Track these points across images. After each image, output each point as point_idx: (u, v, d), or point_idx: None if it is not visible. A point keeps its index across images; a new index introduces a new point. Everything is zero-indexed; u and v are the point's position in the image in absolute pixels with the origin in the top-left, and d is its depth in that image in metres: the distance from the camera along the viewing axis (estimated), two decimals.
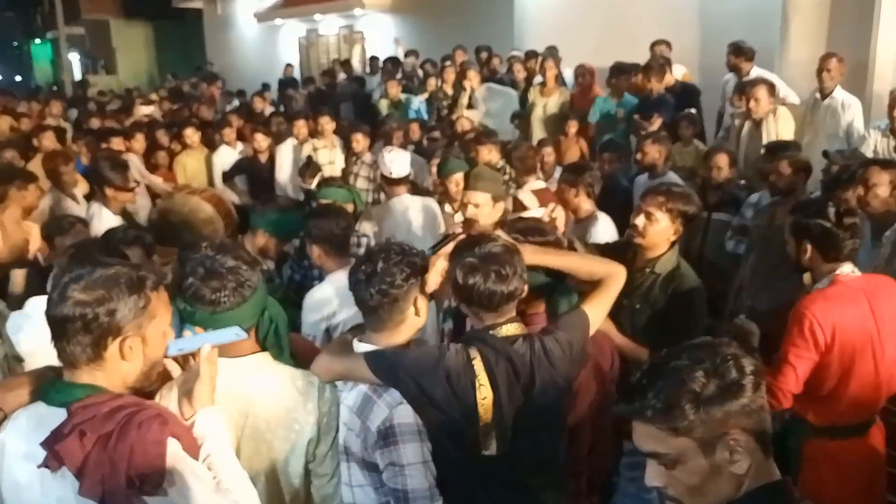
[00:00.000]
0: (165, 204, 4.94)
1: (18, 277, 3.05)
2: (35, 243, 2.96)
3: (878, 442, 2.79)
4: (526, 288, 2.18)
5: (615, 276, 2.37)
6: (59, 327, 1.63)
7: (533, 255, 2.30)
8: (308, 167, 6.12)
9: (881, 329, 2.67)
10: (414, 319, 2.14)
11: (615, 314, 2.84)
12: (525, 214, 3.84)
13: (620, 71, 7.18)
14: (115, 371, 1.67)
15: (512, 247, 2.20)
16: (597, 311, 2.31)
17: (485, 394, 2.04)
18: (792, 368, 2.64)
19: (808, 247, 2.73)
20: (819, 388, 2.69)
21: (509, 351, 2.09)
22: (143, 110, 10.99)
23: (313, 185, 5.93)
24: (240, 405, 1.99)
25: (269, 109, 10.66)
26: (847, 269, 2.70)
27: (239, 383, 2.00)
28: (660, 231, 3.00)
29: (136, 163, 6.92)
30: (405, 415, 2.01)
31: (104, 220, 4.50)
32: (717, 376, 1.33)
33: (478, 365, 2.06)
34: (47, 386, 1.70)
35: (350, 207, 4.24)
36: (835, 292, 2.66)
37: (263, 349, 2.10)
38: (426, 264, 2.16)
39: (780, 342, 2.70)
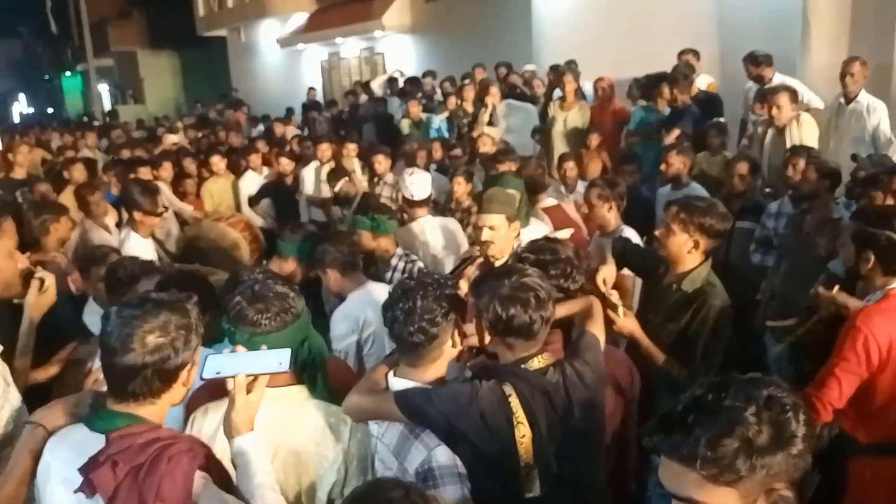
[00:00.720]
0: (193, 230, 5.06)
1: None
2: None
3: None
4: (555, 311, 2.14)
5: (588, 309, 2.39)
6: (130, 373, 1.66)
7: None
8: (335, 173, 6.30)
9: None
10: (450, 352, 2.12)
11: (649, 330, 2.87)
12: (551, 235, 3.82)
13: (652, 81, 7.17)
14: (167, 400, 1.74)
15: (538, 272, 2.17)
16: (599, 330, 2.31)
17: (523, 432, 1.98)
18: (838, 382, 2.57)
19: (871, 257, 2.64)
20: (870, 403, 2.61)
21: (545, 384, 2.03)
22: (171, 139, 11.21)
23: (337, 188, 6.07)
24: (272, 435, 2.00)
25: (291, 133, 10.82)
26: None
27: (273, 413, 2.02)
28: (676, 243, 2.97)
29: (164, 190, 7.06)
30: (444, 456, 1.96)
31: (132, 243, 4.57)
32: (772, 423, 1.20)
33: (514, 402, 1.99)
34: (92, 412, 1.77)
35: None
36: (890, 306, 2.59)
37: (301, 379, 2.11)
38: (461, 297, 2.14)
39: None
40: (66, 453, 1.72)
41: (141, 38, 29.73)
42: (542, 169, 5.19)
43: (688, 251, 2.97)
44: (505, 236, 3.43)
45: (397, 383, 2.10)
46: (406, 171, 5.04)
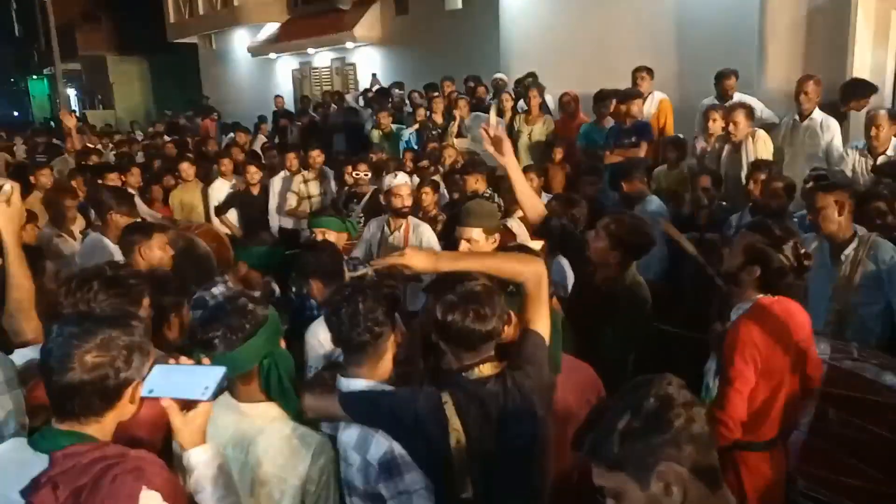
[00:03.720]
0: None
1: None
2: None
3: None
4: (507, 329, 2.17)
5: (538, 277, 2.24)
6: (70, 392, 1.64)
7: (451, 261, 2.25)
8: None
9: (798, 346, 2.68)
10: (392, 348, 2.21)
11: (576, 324, 3.00)
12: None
13: (602, 98, 7.34)
14: (114, 418, 1.71)
15: (493, 286, 2.16)
16: (542, 324, 2.26)
17: (457, 438, 2.04)
18: (739, 396, 2.58)
19: (757, 272, 2.65)
20: (749, 407, 2.64)
21: (481, 393, 2.07)
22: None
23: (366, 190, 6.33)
24: (238, 452, 2.06)
25: (260, 142, 10.84)
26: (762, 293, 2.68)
27: (242, 430, 2.07)
28: (601, 252, 3.23)
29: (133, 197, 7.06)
30: None
31: (102, 248, 4.50)
32: (641, 412, 1.40)
33: (449, 410, 2.04)
34: (37, 432, 1.73)
35: (345, 236, 4.42)
36: (762, 315, 2.63)
37: (270, 397, 2.12)
38: (399, 294, 2.25)
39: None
40: (10, 474, 1.65)
41: (110, 42, 29.47)
42: None
43: (609, 260, 3.23)
44: (483, 249, 3.46)
45: (347, 384, 2.17)
46: (390, 175, 5.17)
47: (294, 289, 4.06)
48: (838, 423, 2.86)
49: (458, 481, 2.04)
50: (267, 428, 2.09)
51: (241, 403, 2.08)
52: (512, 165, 3.35)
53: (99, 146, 10.75)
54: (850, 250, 3.68)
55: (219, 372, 1.80)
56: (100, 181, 6.76)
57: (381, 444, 2.04)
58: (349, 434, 2.13)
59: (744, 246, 2.68)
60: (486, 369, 2.11)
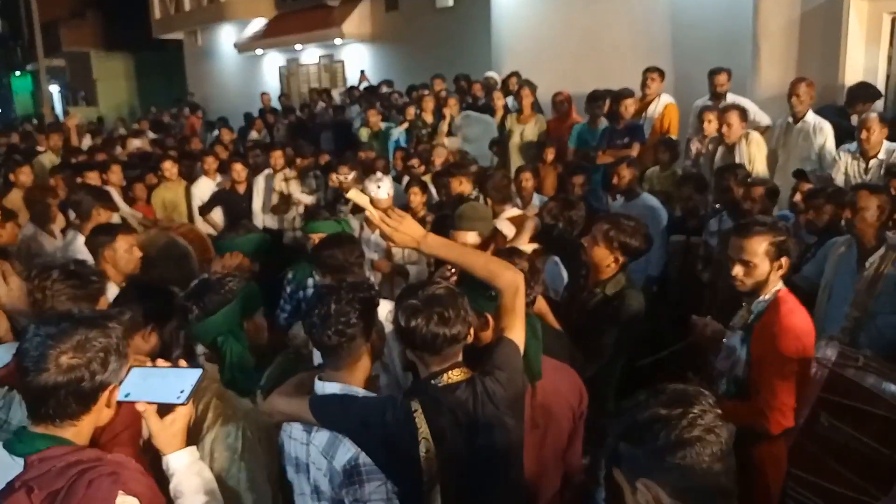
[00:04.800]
0: (142, 239, 4.94)
1: None
2: None
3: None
4: (472, 332, 2.15)
5: (515, 288, 2.25)
6: (44, 394, 1.60)
7: (437, 245, 2.28)
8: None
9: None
10: (370, 351, 2.17)
11: (569, 327, 3.06)
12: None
13: (595, 99, 7.27)
14: (90, 422, 1.67)
15: (456, 289, 2.17)
16: (517, 332, 2.25)
17: (427, 447, 2.01)
18: (788, 384, 2.67)
19: (785, 263, 2.77)
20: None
21: (451, 401, 2.06)
22: (135, 143, 11.00)
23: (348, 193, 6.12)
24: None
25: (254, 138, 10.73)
26: (780, 284, 2.80)
27: None
28: (599, 255, 3.27)
29: (114, 195, 6.91)
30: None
31: (79, 246, 4.39)
32: (656, 423, 1.35)
33: (419, 418, 2.03)
34: (13, 435, 1.69)
35: None
36: (788, 309, 2.75)
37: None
38: (376, 297, 2.18)
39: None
40: None
41: (94, 38, 29.18)
42: (507, 180, 5.27)
43: (607, 264, 3.27)
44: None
45: (323, 387, 2.13)
46: (373, 177, 5.16)
47: (290, 277, 4.03)
48: (829, 429, 2.88)
49: (429, 493, 2.02)
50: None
51: None
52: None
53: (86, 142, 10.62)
54: (875, 257, 3.63)
55: (195, 374, 1.81)
56: (79, 179, 6.65)
57: (348, 451, 2.02)
58: (319, 438, 2.10)
59: (767, 244, 2.74)
60: (455, 375, 2.10)
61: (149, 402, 1.76)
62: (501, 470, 2.15)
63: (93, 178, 6.72)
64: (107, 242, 3.49)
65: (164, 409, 1.78)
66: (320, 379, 2.16)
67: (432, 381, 2.10)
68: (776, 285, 2.80)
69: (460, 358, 2.15)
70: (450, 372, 2.10)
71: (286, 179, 7.23)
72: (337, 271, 3.25)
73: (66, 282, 2.40)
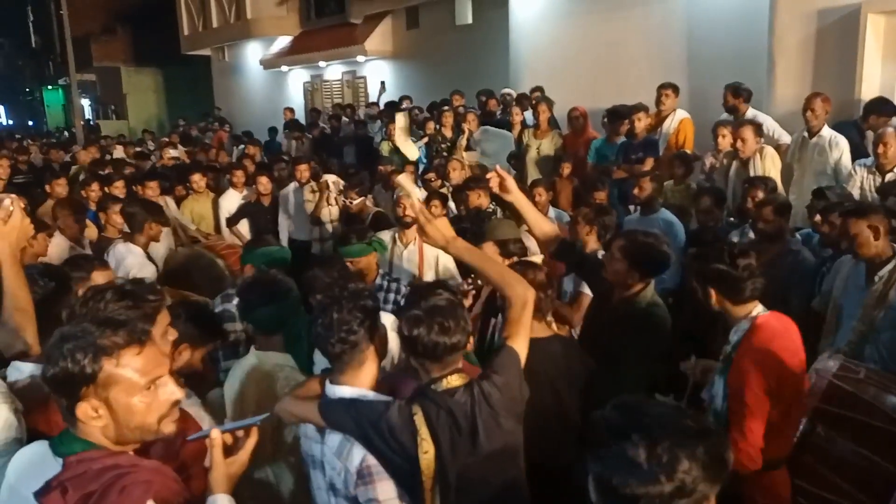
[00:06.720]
0: (188, 253, 5.28)
1: None
2: None
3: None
4: (472, 341, 2.26)
5: (524, 300, 2.39)
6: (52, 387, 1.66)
7: (463, 248, 2.56)
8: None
9: (801, 358, 2.71)
10: (375, 356, 2.27)
11: (593, 340, 3.07)
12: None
13: (615, 115, 7.34)
14: (90, 432, 1.68)
15: (458, 300, 2.27)
16: (521, 343, 2.35)
17: (426, 448, 2.10)
18: (758, 423, 2.57)
19: (712, 291, 2.72)
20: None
21: (450, 404, 2.15)
22: (171, 153, 11.33)
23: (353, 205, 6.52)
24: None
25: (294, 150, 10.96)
26: (760, 309, 2.71)
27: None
28: (617, 271, 3.17)
29: (171, 205, 7.26)
30: None
31: (133, 255, 4.82)
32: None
33: (419, 421, 2.12)
34: (57, 436, 1.75)
35: (374, 256, 4.28)
36: (763, 337, 2.64)
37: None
38: (377, 305, 2.29)
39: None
40: (30, 473, 1.69)
41: (124, 54, 29.79)
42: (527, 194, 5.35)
43: (628, 280, 3.17)
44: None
45: (332, 390, 2.24)
46: (397, 190, 5.23)
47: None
48: (825, 440, 2.88)
49: (430, 492, 2.12)
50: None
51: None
52: (521, 202, 3.29)
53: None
54: (885, 271, 3.56)
55: (259, 418, 1.95)
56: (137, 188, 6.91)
57: (359, 452, 2.13)
58: (331, 440, 2.21)
59: (694, 278, 2.80)
60: (454, 380, 2.20)
61: (224, 430, 1.83)
62: (500, 470, 2.23)
63: (119, 188, 6.95)
64: (82, 278, 3.30)
65: (228, 452, 1.81)
66: (331, 382, 2.26)
67: (432, 386, 2.20)
68: (754, 310, 2.71)
69: (460, 365, 2.25)
70: (449, 377, 2.20)
71: (314, 192, 7.32)
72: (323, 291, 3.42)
73: (120, 302, 2.28)
